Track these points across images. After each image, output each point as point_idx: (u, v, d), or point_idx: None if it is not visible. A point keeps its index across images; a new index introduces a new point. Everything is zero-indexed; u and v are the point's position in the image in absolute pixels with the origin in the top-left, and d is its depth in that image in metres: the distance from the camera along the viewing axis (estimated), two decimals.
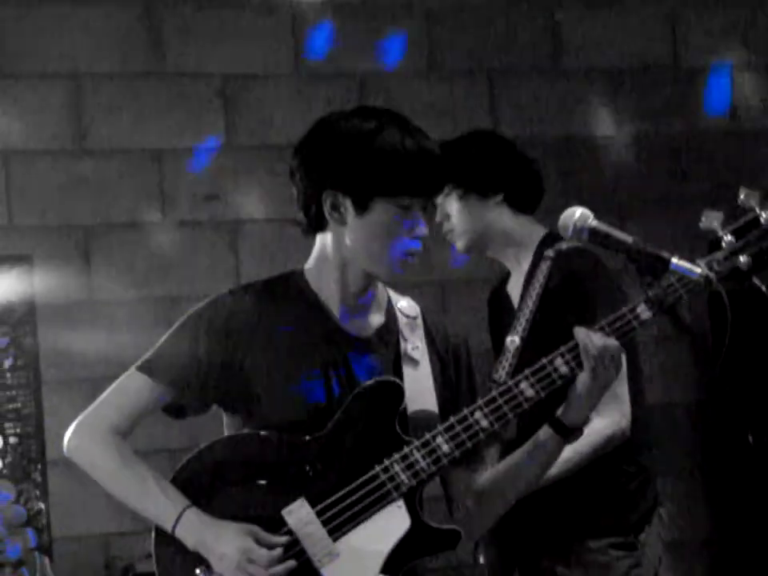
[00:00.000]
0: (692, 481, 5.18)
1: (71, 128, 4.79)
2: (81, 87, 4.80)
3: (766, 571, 4.92)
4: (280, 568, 2.38)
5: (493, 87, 5.24)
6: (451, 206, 3.38)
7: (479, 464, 2.59)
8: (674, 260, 2.34)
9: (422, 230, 2.49)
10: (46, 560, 4.43)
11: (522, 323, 3.22)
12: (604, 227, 2.45)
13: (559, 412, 2.50)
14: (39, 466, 4.50)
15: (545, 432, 2.51)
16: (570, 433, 2.50)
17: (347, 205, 2.47)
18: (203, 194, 4.87)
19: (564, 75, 5.29)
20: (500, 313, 3.46)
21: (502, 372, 3.24)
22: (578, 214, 2.46)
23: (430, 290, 4.85)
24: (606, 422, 3.14)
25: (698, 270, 2.31)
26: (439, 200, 3.33)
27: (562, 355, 2.43)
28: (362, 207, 2.46)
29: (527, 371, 2.44)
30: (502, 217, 3.37)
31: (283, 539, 2.41)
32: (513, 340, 3.23)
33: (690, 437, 5.14)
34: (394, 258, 2.48)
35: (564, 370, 2.43)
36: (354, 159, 2.45)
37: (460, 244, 3.42)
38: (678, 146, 5.36)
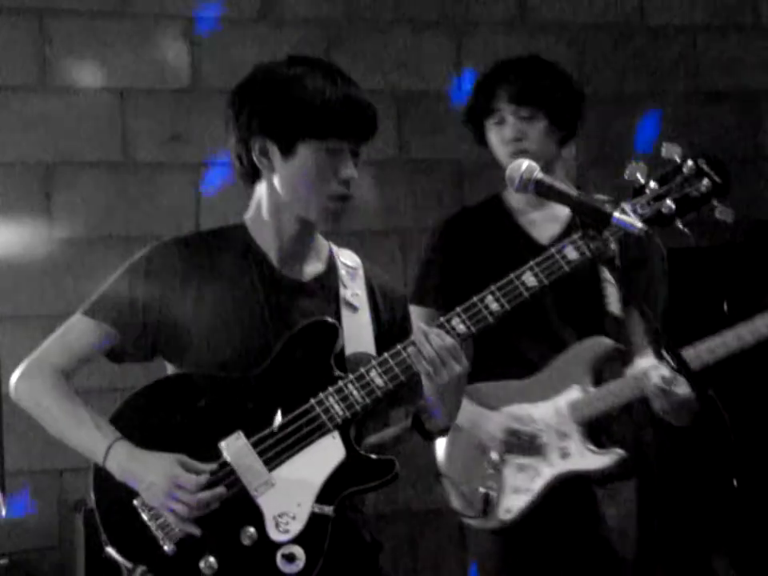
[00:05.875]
0: None
1: (35, 65, 4.76)
2: (45, 24, 4.78)
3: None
4: (208, 494, 2.43)
5: (459, 40, 5.26)
6: (534, 129, 3.44)
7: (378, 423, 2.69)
8: (616, 214, 2.39)
9: (349, 171, 2.52)
10: None
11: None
12: (549, 180, 2.48)
13: (422, 414, 2.58)
14: None
15: (409, 427, 2.60)
16: (433, 435, 2.59)
17: (274, 150, 2.52)
18: (166, 134, 4.88)
19: (530, 30, 5.31)
20: (511, 244, 3.48)
21: (615, 308, 3.42)
22: (524, 166, 2.49)
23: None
24: None
25: (639, 225, 2.36)
26: (509, 119, 3.44)
27: (493, 293, 2.53)
28: (287, 151, 2.51)
29: (458, 309, 2.52)
30: (564, 159, 3.53)
31: (211, 466, 2.46)
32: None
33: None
34: (322, 201, 2.52)
35: (495, 306, 2.51)
36: (278, 104, 2.49)
37: None
38: (642, 103, 5.41)
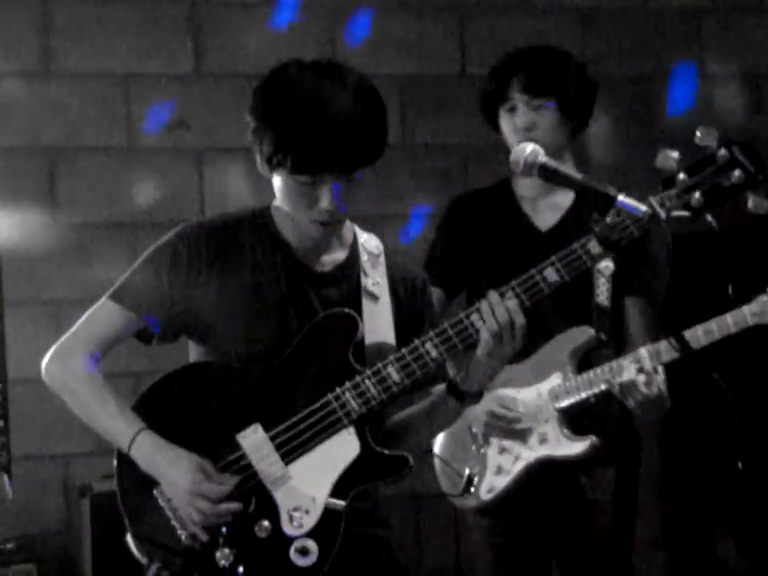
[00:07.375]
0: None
1: (39, 50, 4.77)
2: (49, 8, 4.78)
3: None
4: (223, 507, 2.45)
5: (463, 23, 5.25)
6: (544, 119, 3.41)
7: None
8: (620, 197, 2.36)
9: (326, 204, 2.47)
10: (5, 478, 4.47)
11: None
12: (553, 163, 2.47)
13: (457, 376, 2.55)
14: (0, 386, 4.52)
15: (442, 394, 2.57)
16: (467, 397, 2.55)
17: (264, 165, 2.51)
18: (170, 120, 4.88)
19: (534, 13, 5.30)
20: (512, 229, 3.48)
21: (603, 298, 3.34)
22: (529, 149, 2.48)
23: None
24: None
25: (644, 208, 2.33)
26: (520, 108, 3.40)
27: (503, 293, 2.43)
28: (270, 172, 2.50)
29: (477, 304, 2.46)
30: (569, 146, 3.49)
31: (233, 480, 2.47)
32: (607, 266, 3.30)
33: None
34: (304, 222, 2.51)
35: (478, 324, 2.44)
36: (265, 126, 2.45)
37: None
38: (645, 86, 5.41)
